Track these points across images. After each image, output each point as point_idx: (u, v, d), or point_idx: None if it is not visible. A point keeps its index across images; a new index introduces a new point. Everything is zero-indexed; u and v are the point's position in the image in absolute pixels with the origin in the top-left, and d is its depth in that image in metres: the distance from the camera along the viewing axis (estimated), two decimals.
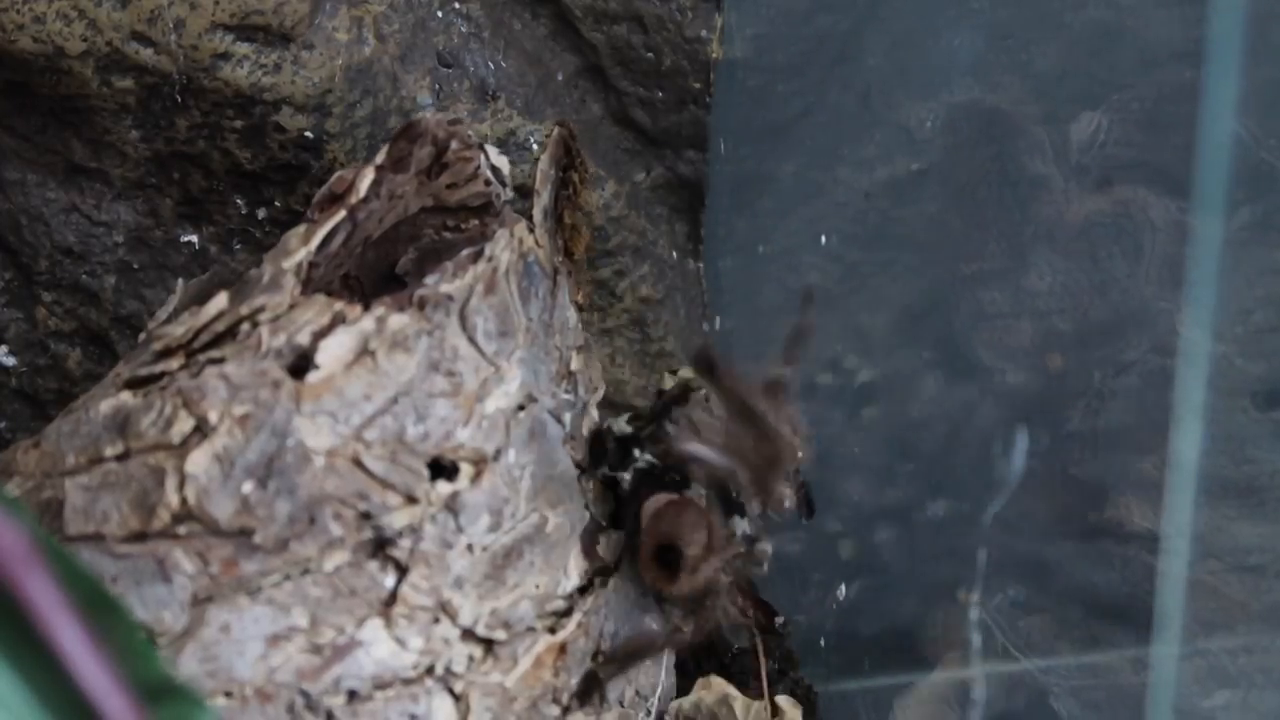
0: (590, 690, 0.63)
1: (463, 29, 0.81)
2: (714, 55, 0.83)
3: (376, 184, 0.65)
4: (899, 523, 0.82)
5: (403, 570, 0.58)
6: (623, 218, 0.86)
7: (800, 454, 0.62)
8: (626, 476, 0.66)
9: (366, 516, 0.57)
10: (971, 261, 0.76)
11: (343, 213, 0.64)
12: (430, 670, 0.58)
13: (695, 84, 0.84)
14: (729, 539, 0.63)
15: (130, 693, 0.35)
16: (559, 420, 0.64)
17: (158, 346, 0.61)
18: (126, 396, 0.60)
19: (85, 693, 0.34)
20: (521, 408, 0.62)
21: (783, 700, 0.70)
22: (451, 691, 0.59)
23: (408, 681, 0.58)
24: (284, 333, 0.59)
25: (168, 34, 0.72)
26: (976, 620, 0.74)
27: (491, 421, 0.60)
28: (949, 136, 0.76)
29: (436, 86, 0.80)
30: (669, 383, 0.71)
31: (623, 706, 0.65)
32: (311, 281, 0.62)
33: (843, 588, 0.79)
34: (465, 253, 0.62)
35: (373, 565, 0.58)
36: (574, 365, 0.67)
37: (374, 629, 0.57)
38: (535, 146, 0.82)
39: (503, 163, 0.68)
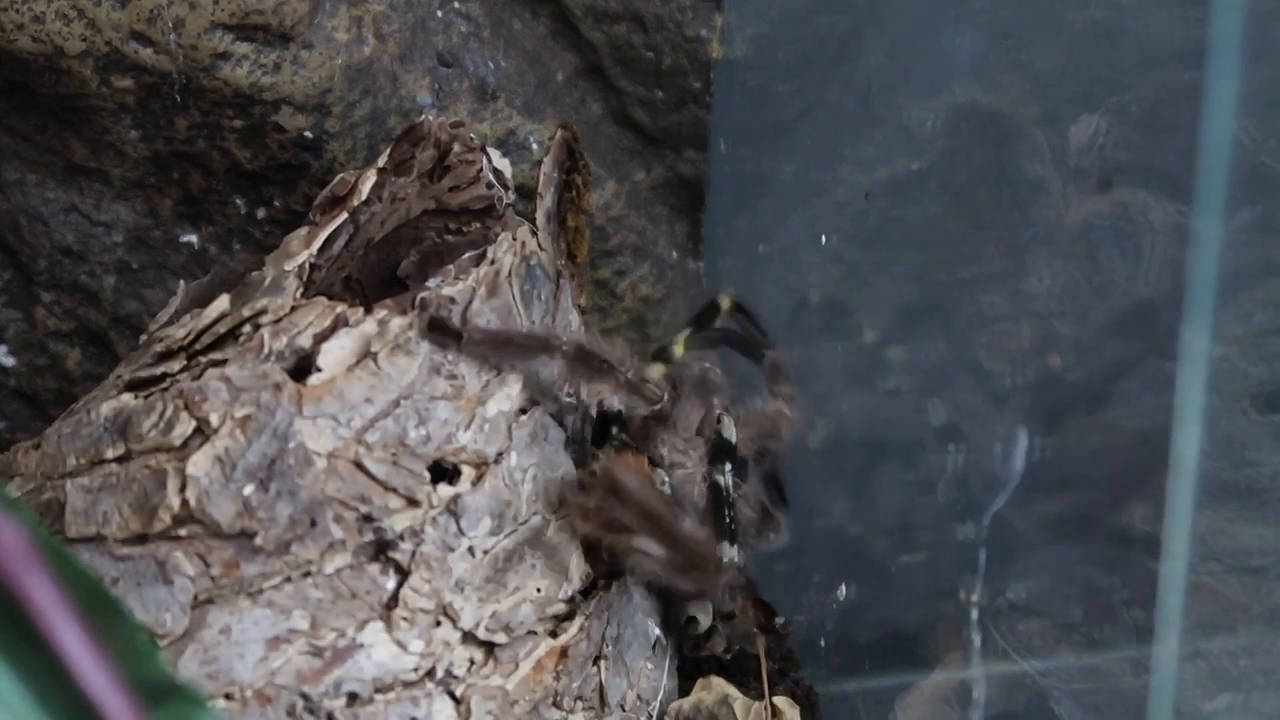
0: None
1: (463, 29, 0.81)
2: (714, 55, 0.83)
3: (378, 186, 0.65)
4: (899, 523, 0.82)
5: (404, 573, 0.58)
6: (623, 217, 0.86)
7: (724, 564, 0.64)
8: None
9: (368, 519, 0.57)
10: (972, 262, 0.76)
11: (344, 215, 0.64)
12: (431, 673, 0.58)
13: (695, 84, 0.84)
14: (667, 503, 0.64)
15: (130, 693, 0.35)
16: (561, 423, 0.64)
17: (159, 348, 0.61)
18: (127, 398, 0.60)
19: (85, 693, 0.34)
20: (523, 411, 0.62)
21: (780, 701, 0.70)
22: (452, 694, 0.59)
23: (408, 684, 0.58)
24: (285, 335, 0.59)
25: (167, 34, 0.72)
26: (976, 621, 0.74)
27: (493, 424, 0.60)
28: (949, 137, 0.76)
29: (436, 86, 0.80)
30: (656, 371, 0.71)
31: (624, 710, 0.65)
32: (313, 284, 0.62)
33: (843, 588, 0.79)
34: (467, 255, 0.62)
35: (374, 568, 0.58)
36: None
37: (375, 632, 0.57)
38: (535, 146, 0.82)
39: (505, 166, 0.68)
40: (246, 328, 0.60)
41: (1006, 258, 0.74)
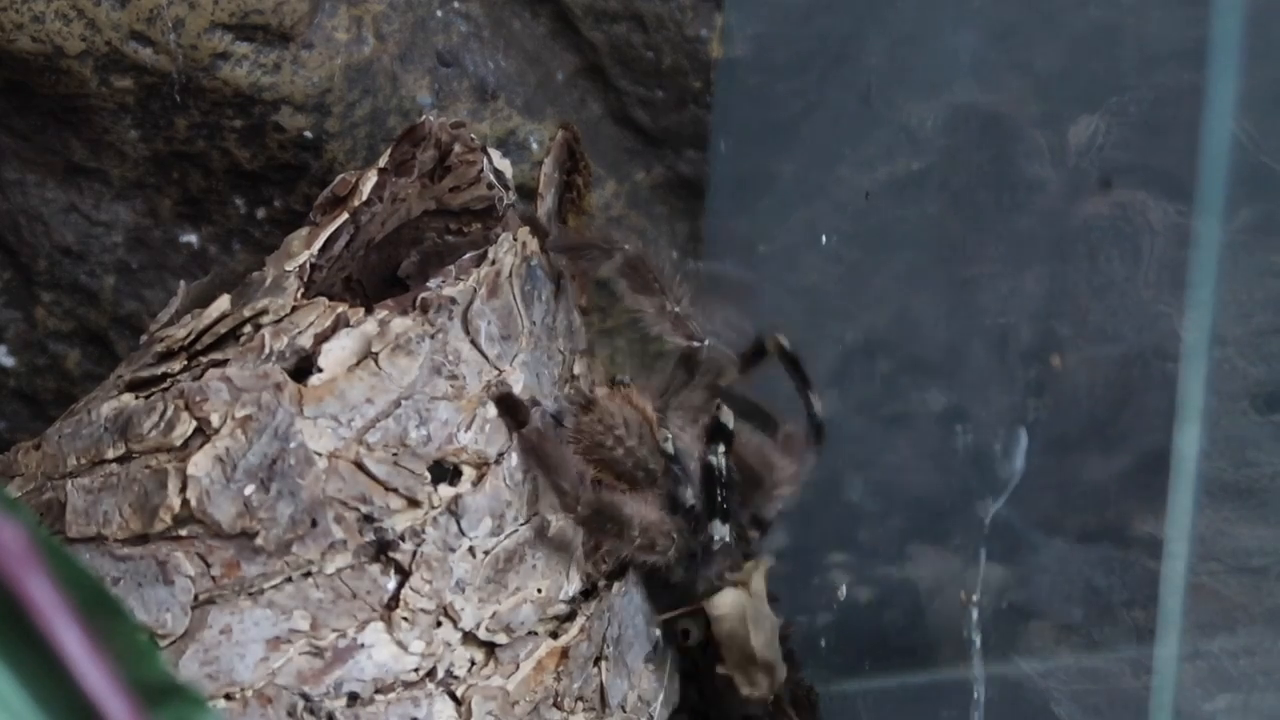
0: None
1: (462, 28, 0.81)
2: (714, 55, 0.83)
3: (379, 187, 0.65)
4: (899, 523, 0.82)
5: (404, 573, 0.58)
6: (623, 217, 0.86)
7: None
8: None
9: (368, 519, 0.57)
10: (971, 262, 0.76)
11: (345, 215, 0.64)
12: (431, 673, 0.58)
13: (695, 83, 0.84)
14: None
15: (131, 694, 0.35)
16: (562, 424, 0.64)
17: (159, 348, 0.61)
18: (128, 398, 0.60)
19: (86, 694, 0.34)
20: None
21: None
22: (453, 695, 0.59)
23: (409, 685, 0.58)
24: (286, 335, 0.59)
25: (167, 33, 0.72)
26: (976, 621, 0.74)
27: (494, 425, 0.60)
28: (949, 137, 0.76)
29: (436, 86, 0.80)
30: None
31: (625, 711, 0.65)
32: (314, 284, 0.62)
33: (843, 588, 0.79)
34: (468, 256, 0.62)
35: (374, 568, 0.58)
36: (577, 369, 0.67)
37: (375, 632, 0.58)
38: (535, 146, 0.82)
39: (505, 166, 0.68)
40: (247, 328, 0.60)
41: (1006, 258, 0.74)
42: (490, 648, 0.60)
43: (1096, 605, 0.68)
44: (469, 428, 0.60)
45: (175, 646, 0.56)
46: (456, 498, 0.59)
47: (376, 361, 0.59)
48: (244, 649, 0.56)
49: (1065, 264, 0.70)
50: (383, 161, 0.65)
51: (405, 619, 0.58)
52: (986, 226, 0.75)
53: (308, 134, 0.76)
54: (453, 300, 0.60)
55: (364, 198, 0.64)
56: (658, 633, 0.68)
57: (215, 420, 0.57)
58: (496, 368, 0.61)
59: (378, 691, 0.57)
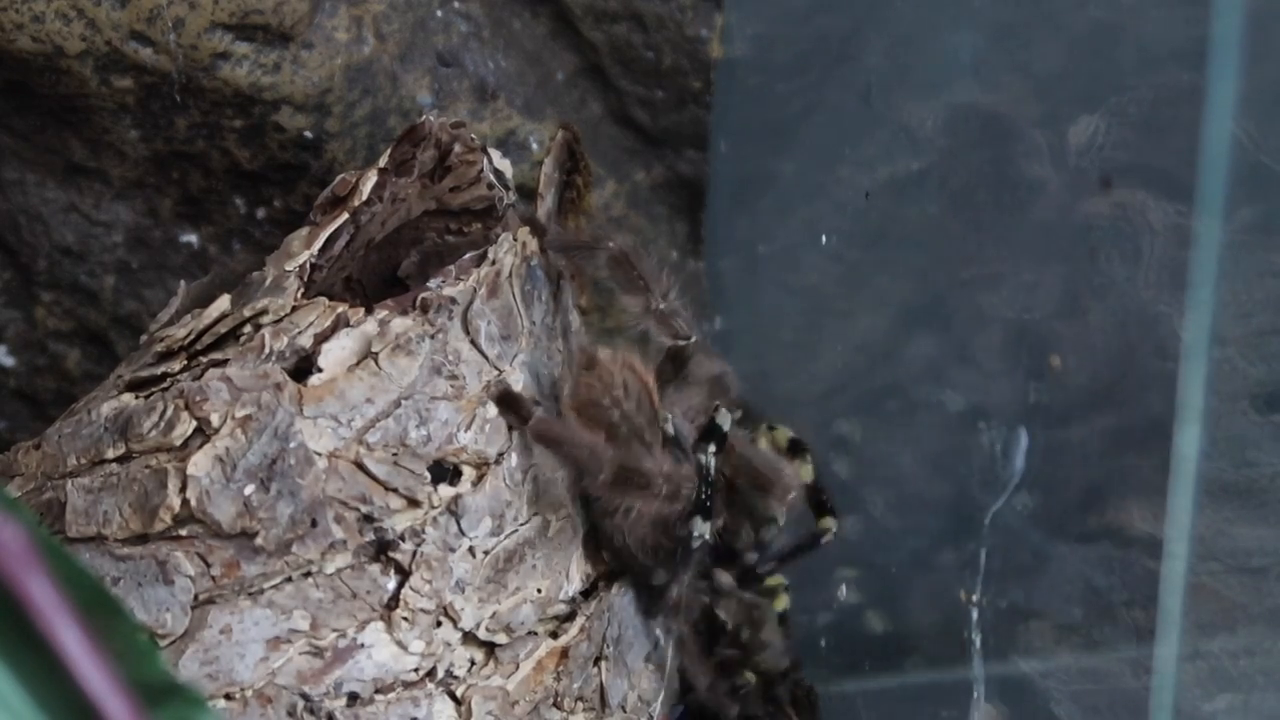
0: None
1: (462, 28, 0.81)
2: (714, 55, 0.83)
3: (379, 187, 0.65)
4: (899, 523, 0.82)
5: (404, 573, 0.58)
6: (623, 217, 0.86)
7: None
8: None
9: (368, 519, 0.57)
10: (971, 262, 0.76)
11: (345, 215, 0.64)
12: (431, 673, 0.58)
13: (695, 83, 0.84)
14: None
15: (131, 694, 0.35)
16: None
17: (159, 348, 0.61)
18: (128, 398, 0.60)
19: (86, 693, 0.34)
20: None
21: None
22: (452, 695, 0.59)
23: (409, 685, 0.58)
24: (286, 335, 0.59)
25: (167, 33, 0.72)
26: (976, 621, 0.74)
27: (494, 425, 0.60)
28: (949, 137, 0.76)
29: (436, 86, 0.80)
30: (763, 441, 0.71)
31: (625, 711, 0.65)
32: (314, 284, 0.62)
33: (843, 588, 0.79)
34: (468, 256, 0.62)
35: (374, 568, 0.58)
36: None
37: (375, 632, 0.58)
38: (535, 146, 0.82)
39: (505, 166, 0.68)
40: (247, 328, 0.60)
41: (1006, 258, 0.74)
42: (490, 648, 0.60)
43: (1096, 605, 0.68)
44: (469, 428, 0.60)
45: (175, 646, 0.56)
46: (456, 498, 0.59)
47: (376, 361, 0.59)
48: (244, 649, 0.56)
49: (1065, 264, 0.70)
50: (383, 161, 0.65)
51: (405, 619, 0.58)
52: (986, 226, 0.75)
53: (308, 134, 0.76)
54: (453, 300, 0.60)
55: (364, 198, 0.64)
56: (658, 633, 0.68)
57: (215, 420, 0.57)
58: (496, 368, 0.61)
59: (378, 691, 0.57)
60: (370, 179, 0.64)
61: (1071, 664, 0.70)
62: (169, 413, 0.58)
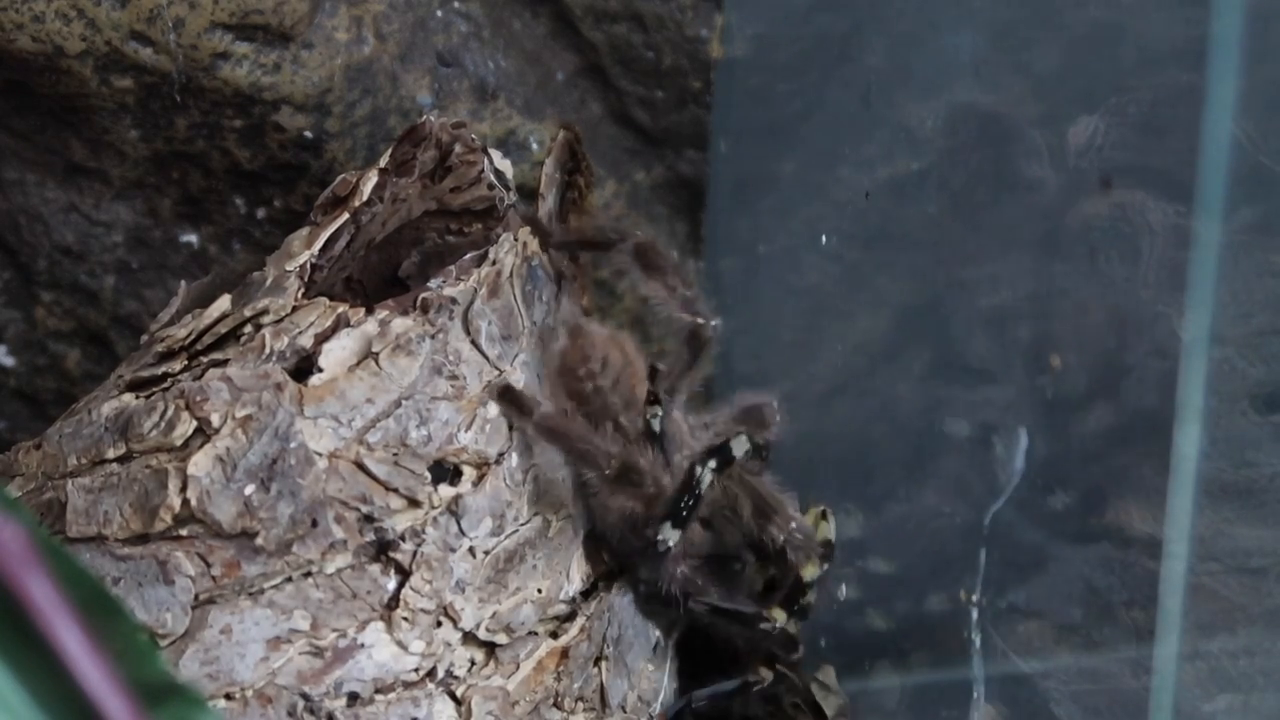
0: None
1: (462, 28, 0.81)
2: (714, 55, 0.83)
3: (380, 187, 0.65)
4: (899, 523, 0.82)
5: (404, 573, 0.58)
6: (623, 217, 0.86)
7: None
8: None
9: (369, 519, 0.57)
10: (971, 262, 0.76)
11: (346, 215, 0.64)
12: (431, 673, 0.58)
13: (695, 83, 0.84)
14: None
15: (130, 693, 0.35)
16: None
17: (160, 348, 0.61)
18: (129, 398, 0.60)
19: (85, 693, 0.34)
20: None
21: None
22: (453, 695, 0.59)
23: (409, 685, 0.58)
24: (287, 335, 0.59)
25: (167, 33, 0.72)
26: (976, 621, 0.74)
27: (494, 425, 0.60)
28: (949, 137, 0.76)
29: (436, 86, 0.80)
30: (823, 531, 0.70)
31: (625, 711, 0.65)
32: (314, 284, 0.63)
33: (843, 588, 0.79)
34: (469, 256, 0.62)
35: (374, 568, 0.58)
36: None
37: (375, 632, 0.58)
38: (535, 146, 0.82)
39: (506, 166, 0.68)
40: (248, 328, 0.60)
41: (1006, 258, 0.74)
42: (490, 648, 0.60)
43: (1096, 605, 0.68)
44: (469, 428, 0.60)
45: (175, 646, 0.56)
46: (456, 498, 0.59)
47: (377, 361, 0.59)
48: (244, 649, 0.56)
49: (1065, 264, 0.70)
50: (383, 161, 0.65)
51: (405, 619, 0.58)
52: (986, 226, 0.75)
53: (308, 134, 0.76)
54: (453, 300, 0.60)
55: (364, 198, 0.64)
56: (658, 632, 0.68)
57: (215, 420, 0.57)
58: (497, 368, 0.61)
59: (378, 691, 0.57)
60: (371, 179, 0.64)
61: (1071, 664, 0.70)
62: (169, 413, 0.58)
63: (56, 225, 0.79)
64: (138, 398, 0.60)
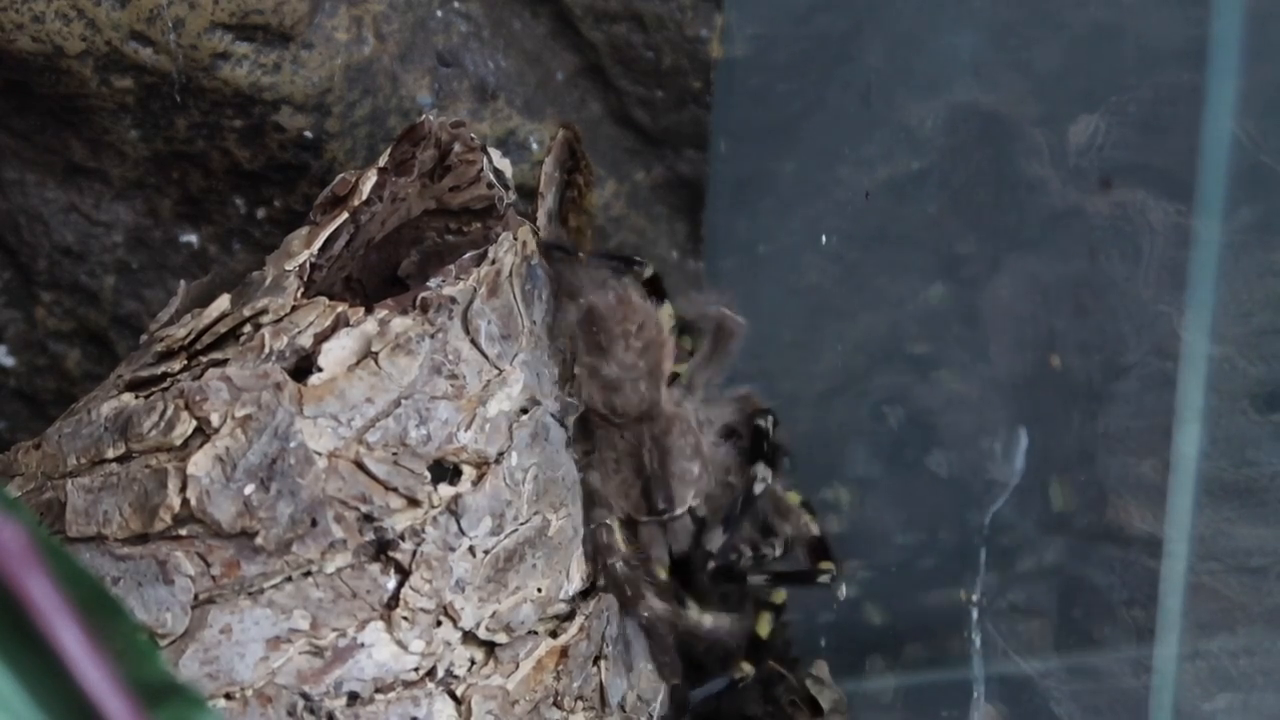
0: None
1: (462, 29, 0.81)
2: (714, 55, 0.83)
3: (379, 186, 0.65)
4: (899, 523, 0.82)
5: (404, 573, 0.58)
6: (623, 217, 0.86)
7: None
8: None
9: (368, 519, 0.57)
10: (971, 262, 0.76)
11: (345, 215, 0.64)
12: (431, 673, 0.58)
13: (695, 83, 0.84)
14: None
15: (130, 693, 0.35)
16: (562, 424, 0.64)
17: (159, 348, 0.61)
18: (128, 398, 0.60)
19: (85, 693, 0.34)
20: (524, 410, 0.62)
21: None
22: (452, 694, 0.59)
23: (409, 684, 0.58)
24: (286, 335, 0.59)
25: (167, 33, 0.72)
26: (976, 621, 0.74)
27: (494, 424, 0.60)
28: (949, 136, 0.76)
29: (436, 86, 0.80)
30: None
31: (624, 710, 0.65)
32: (314, 284, 0.62)
33: (843, 588, 0.79)
34: (468, 255, 0.62)
35: (374, 567, 0.58)
36: (577, 369, 0.67)
37: (375, 631, 0.58)
38: (535, 146, 0.82)
39: (505, 166, 0.68)
40: (247, 327, 0.60)
41: (1006, 257, 0.74)
42: (490, 647, 0.60)
43: (1096, 605, 0.68)
44: (469, 427, 0.60)
45: (175, 646, 0.56)
46: (456, 497, 0.59)
47: (376, 361, 0.59)
48: (244, 648, 0.56)
49: (1065, 264, 0.70)
50: (383, 161, 0.65)
51: (405, 618, 0.58)
52: (986, 226, 0.75)
53: (308, 134, 0.76)
54: (453, 300, 0.60)
55: (364, 197, 0.64)
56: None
57: (215, 420, 0.57)
58: (496, 367, 0.61)
59: (378, 691, 0.57)
60: (370, 179, 0.64)
61: (1071, 664, 0.70)
62: (169, 412, 0.58)
63: (56, 225, 0.79)
64: (137, 397, 0.60)
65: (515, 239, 0.64)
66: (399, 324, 0.59)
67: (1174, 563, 0.63)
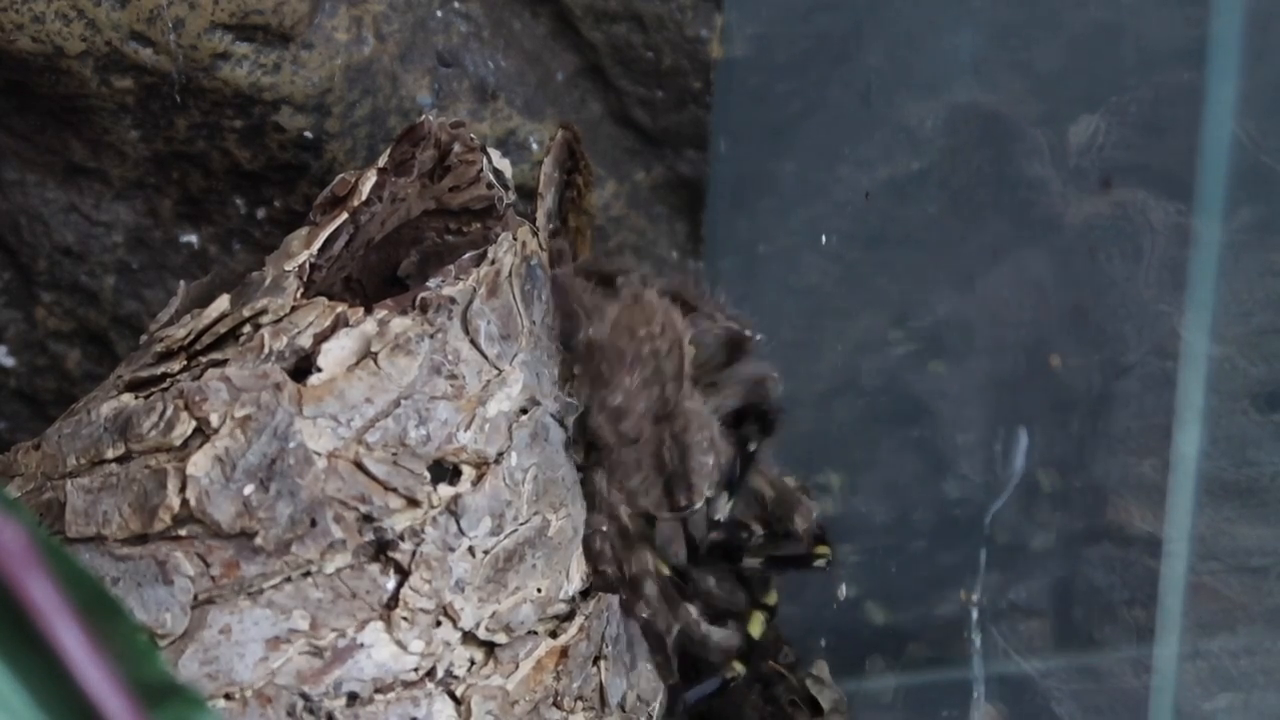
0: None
1: (462, 29, 0.81)
2: (714, 55, 0.83)
3: (379, 186, 0.65)
4: (899, 522, 0.82)
5: (404, 573, 0.58)
6: (623, 217, 0.86)
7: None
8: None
9: (368, 519, 0.57)
10: (971, 262, 0.76)
11: (345, 215, 0.64)
12: (431, 673, 0.58)
13: (695, 83, 0.84)
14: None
15: (130, 693, 0.35)
16: (562, 424, 0.64)
17: (159, 348, 0.61)
18: (128, 398, 0.60)
19: (85, 694, 0.34)
20: (524, 411, 0.62)
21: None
22: (452, 695, 0.59)
23: (408, 684, 0.58)
24: (286, 335, 0.59)
25: (167, 33, 0.72)
26: (976, 621, 0.74)
27: (493, 424, 0.60)
28: (949, 137, 0.76)
29: (436, 86, 0.80)
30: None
31: (624, 710, 0.65)
32: (313, 284, 0.62)
33: (843, 588, 0.79)
34: (468, 256, 0.62)
35: (374, 568, 0.58)
36: (576, 369, 0.67)
37: (375, 631, 0.57)
38: (535, 146, 0.82)
39: (505, 166, 0.68)
40: (247, 328, 0.60)
41: (1006, 257, 0.74)
42: (490, 647, 0.60)
43: (1096, 605, 0.68)
44: (468, 427, 0.60)
45: (175, 646, 0.56)
46: (456, 497, 0.59)
47: (376, 361, 0.59)
48: (243, 649, 0.56)
49: (1065, 264, 0.70)
50: (382, 161, 0.65)
51: (405, 619, 0.58)
52: (986, 226, 0.75)
53: (308, 134, 0.76)
54: (452, 300, 0.60)
55: (364, 198, 0.64)
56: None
57: (215, 420, 0.57)
58: (496, 367, 0.61)
59: (377, 691, 0.57)
60: (370, 179, 0.64)
61: (1071, 664, 0.70)
62: (169, 413, 0.58)
63: (56, 225, 0.79)
64: (137, 398, 0.60)
65: (515, 239, 0.64)
66: (398, 324, 0.59)
67: (1174, 563, 0.63)
